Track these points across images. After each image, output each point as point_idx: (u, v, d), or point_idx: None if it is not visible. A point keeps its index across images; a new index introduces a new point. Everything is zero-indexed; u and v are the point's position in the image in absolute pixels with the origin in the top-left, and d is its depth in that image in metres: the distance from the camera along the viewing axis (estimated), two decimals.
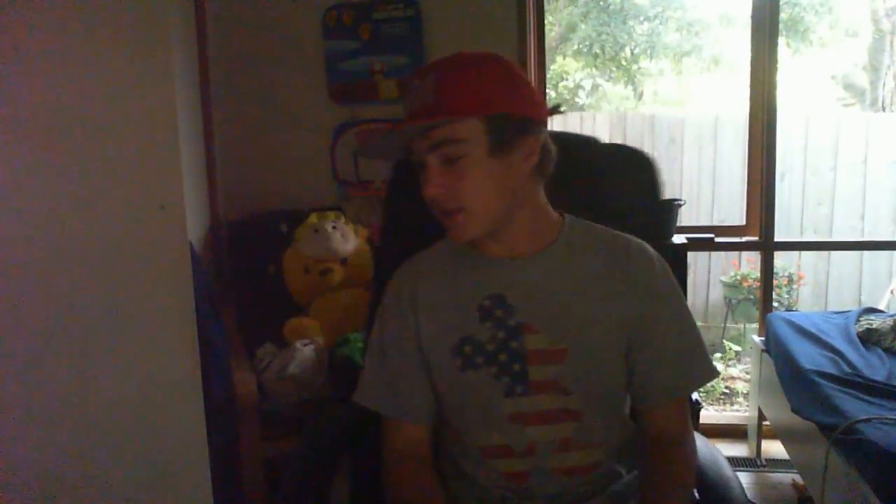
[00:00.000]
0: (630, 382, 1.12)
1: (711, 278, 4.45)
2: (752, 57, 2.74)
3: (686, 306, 1.15)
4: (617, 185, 1.35)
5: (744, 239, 2.85)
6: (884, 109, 5.70)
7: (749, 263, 4.29)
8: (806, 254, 4.39)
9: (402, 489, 1.11)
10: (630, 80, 6.18)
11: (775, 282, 3.71)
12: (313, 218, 2.50)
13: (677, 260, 1.37)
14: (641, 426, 1.15)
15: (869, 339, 2.36)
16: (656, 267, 1.13)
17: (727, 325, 4.34)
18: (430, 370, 1.13)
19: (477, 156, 1.02)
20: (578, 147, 1.35)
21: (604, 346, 1.09)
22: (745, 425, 2.84)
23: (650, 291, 1.10)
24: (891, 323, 2.37)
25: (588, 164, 1.33)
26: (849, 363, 2.16)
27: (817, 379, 2.06)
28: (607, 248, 1.13)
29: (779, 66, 2.70)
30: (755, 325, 2.93)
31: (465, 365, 1.09)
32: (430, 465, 1.14)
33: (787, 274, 4.28)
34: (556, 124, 1.21)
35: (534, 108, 1.07)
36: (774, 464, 2.62)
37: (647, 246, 1.15)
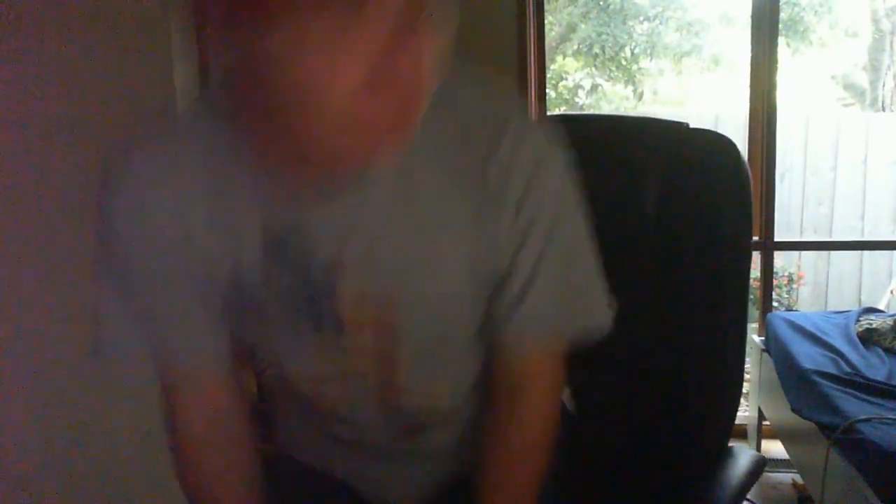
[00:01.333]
0: (489, 316, 0.83)
1: None
2: (752, 57, 2.73)
3: (582, 229, 0.83)
4: (704, 174, 1.20)
5: None
6: (884, 109, 5.70)
7: None
8: (806, 254, 4.39)
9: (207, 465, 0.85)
10: (630, 80, 6.18)
11: (775, 282, 3.71)
12: None
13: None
14: (492, 369, 0.87)
15: (869, 339, 2.36)
16: (543, 170, 0.77)
17: None
18: (199, 299, 0.79)
19: None
20: (666, 133, 1.28)
21: (460, 284, 0.79)
22: (746, 425, 2.84)
23: (528, 206, 0.77)
24: (891, 323, 2.37)
25: (676, 152, 1.22)
26: (849, 363, 2.16)
27: (817, 379, 2.06)
28: (464, 152, 0.76)
29: (779, 66, 2.70)
30: (755, 325, 2.92)
31: (242, 301, 0.78)
32: (236, 408, 0.88)
33: (787, 274, 4.28)
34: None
35: None
36: (774, 464, 2.62)
37: (539, 135, 0.79)
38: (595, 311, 0.85)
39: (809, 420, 1.98)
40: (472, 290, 0.80)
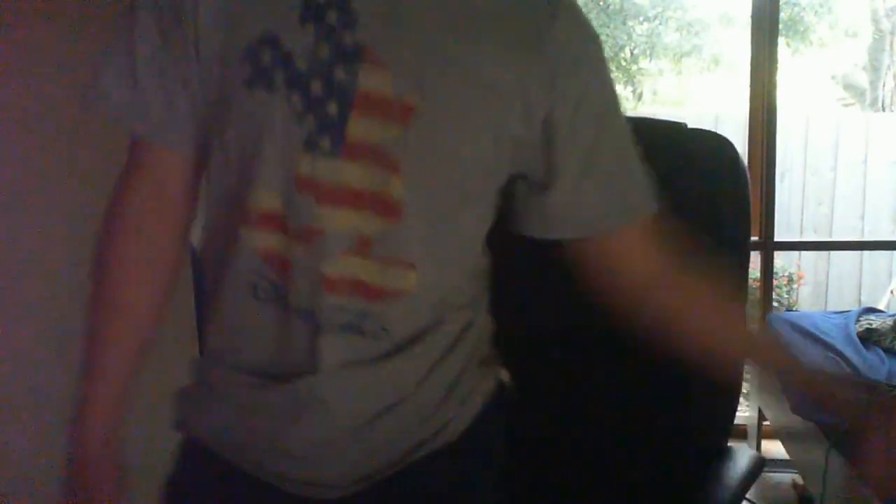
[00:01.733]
0: (531, 209, 0.83)
1: None
2: (752, 57, 2.74)
3: (623, 116, 0.85)
4: (702, 175, 1.21)
5: None
6: (884, 109, 5.71)
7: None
8: (806, 254, 4.39)
9: (131, 209, 0.85)
10: (630, 80, 6.18)
11: (775, 282, 3.71)
12: None
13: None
14: (599, 285, 0.87)
15: (869, 339, 2.36)
16: (592, 40, 0.81)
17: None
18: (203, 75, 0.76)
19: None
20: (665, 134, 1.28)
21: (479, 121, 0.75)
22: (746, 425, 2.84)
23: (578, 67, 0.77)
24: (891, 323, 2.37)
25: (674, 152, 1.21)
26: (849, 363, 2.17)
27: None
28: (523, 12, 0.77)
29: (779, 66, 2.70)
30: (755, 326, 2.92)
31: (254, 78, 0.72)
32: (178, 207, 0.89)
33: (787, 274, 4.28)
34: None
35: None
36: (774, 464, 2.62)
37: (589, 23, 0.82)
38: (649, 194, 0.86)
39: (809, 420, 1.99)
40: (493, 145, 0.77)
